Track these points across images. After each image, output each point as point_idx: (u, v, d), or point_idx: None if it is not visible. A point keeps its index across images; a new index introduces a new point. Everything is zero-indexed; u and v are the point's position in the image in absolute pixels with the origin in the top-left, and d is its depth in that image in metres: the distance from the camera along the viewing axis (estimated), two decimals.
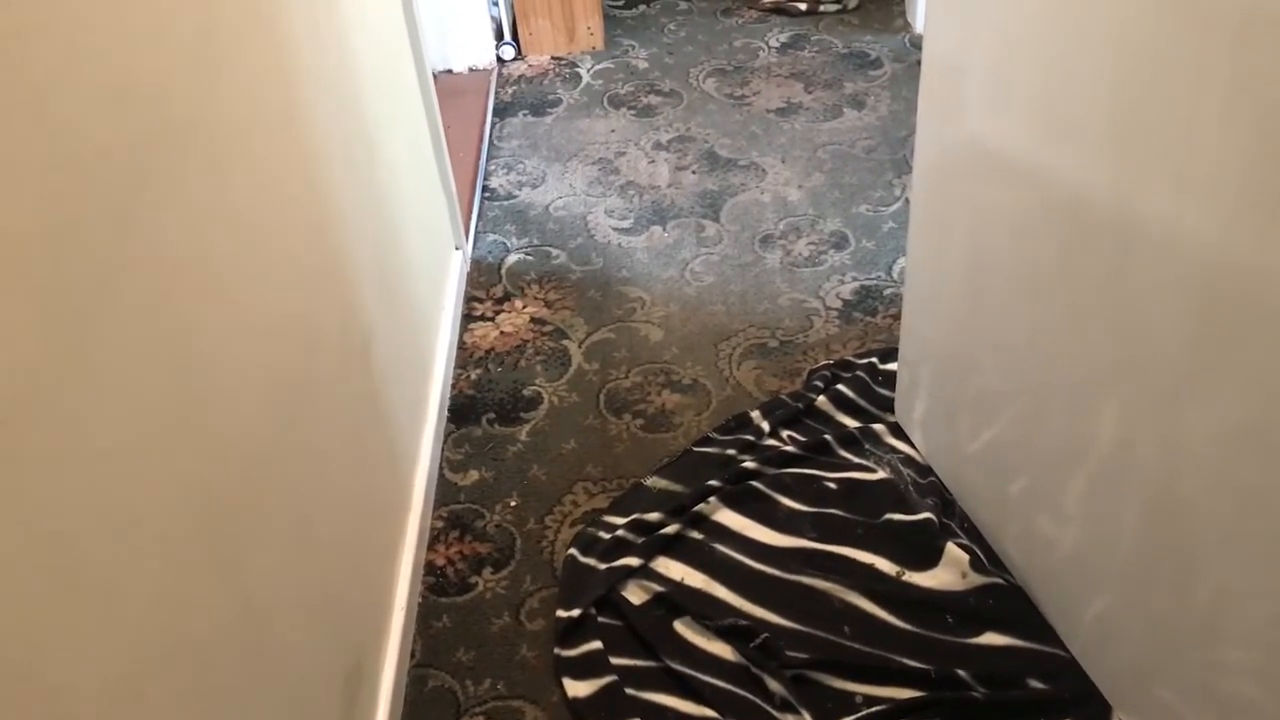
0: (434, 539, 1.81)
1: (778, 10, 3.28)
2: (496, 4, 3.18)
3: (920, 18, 3.09)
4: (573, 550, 1.74)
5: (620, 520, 1.77)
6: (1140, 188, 1.14)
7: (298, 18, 1.35)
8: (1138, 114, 1.12)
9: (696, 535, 1.73)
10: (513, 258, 2.45)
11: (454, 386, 2.12)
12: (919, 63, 2.98)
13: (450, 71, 3.12)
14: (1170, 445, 1.20)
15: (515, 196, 2.65)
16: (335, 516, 1.40)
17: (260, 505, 1.13)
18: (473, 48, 3.11)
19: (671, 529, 1.72)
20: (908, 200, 2.51)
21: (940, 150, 1.57)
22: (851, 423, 1.93)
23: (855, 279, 2.31)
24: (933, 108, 1.57)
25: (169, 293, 0.93)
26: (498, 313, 2.30)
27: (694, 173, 2.67)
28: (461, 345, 2.22)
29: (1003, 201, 1.42)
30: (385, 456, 1.67)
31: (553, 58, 3.17)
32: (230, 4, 1.14)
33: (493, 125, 2.91)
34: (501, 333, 2.25)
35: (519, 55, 3.17)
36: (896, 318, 2.19)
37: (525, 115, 2.94)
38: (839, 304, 2.25)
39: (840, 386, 2.00)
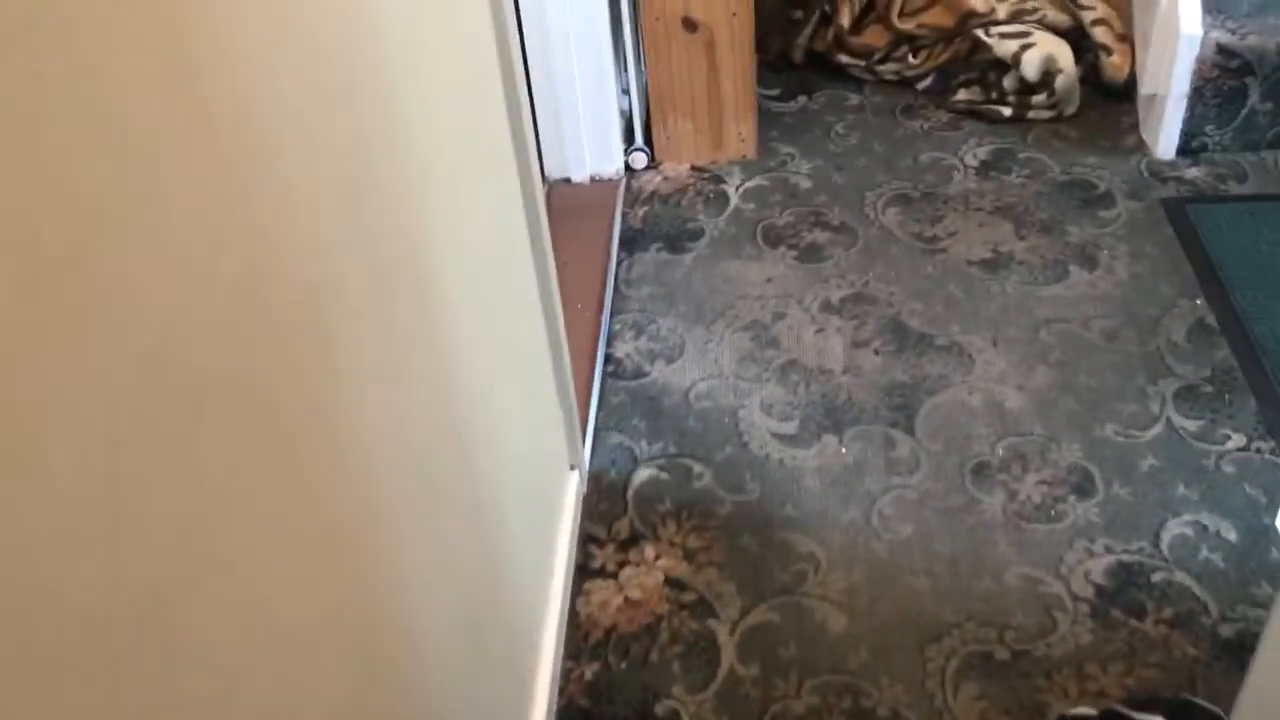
0: None
1: (973, 114, 2.65)
2: (627, 92, 2.60)
3: (1163, 137, 2.44)
4: None
5: None
6: None
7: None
8: None
9: None
10: (642, 474, 1.88)
11: (563, 693, 1.56)
12: (1163, 202, 2.33)
13: (568, 181, 2.56)
14: None
15: (646, 374, 2.07)
16: None
17: None
18: (597, 151, 2.54)
19: None
20: (1170, 422, 1.88)
21: None
22: None
23: (1109, 550, 1.69)
24: None
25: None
26: (622, 564, 1.74)
27: (877, 352, 2.07)
28: (573, 617, 1.66)
29: None
30: None
31: (693, 168, 2.59)
32: None
33: (619, 262, 2.34)
34: (627, 600, 1.68)
35: (652, 163, 2.60)
36: (1174, 625, 1.58)
37: (659, 250, 2.37)
38: (1089, 592, 1.64)
39: None
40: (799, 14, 2.83)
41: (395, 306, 0.96)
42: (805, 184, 2.51)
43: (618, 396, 2.03)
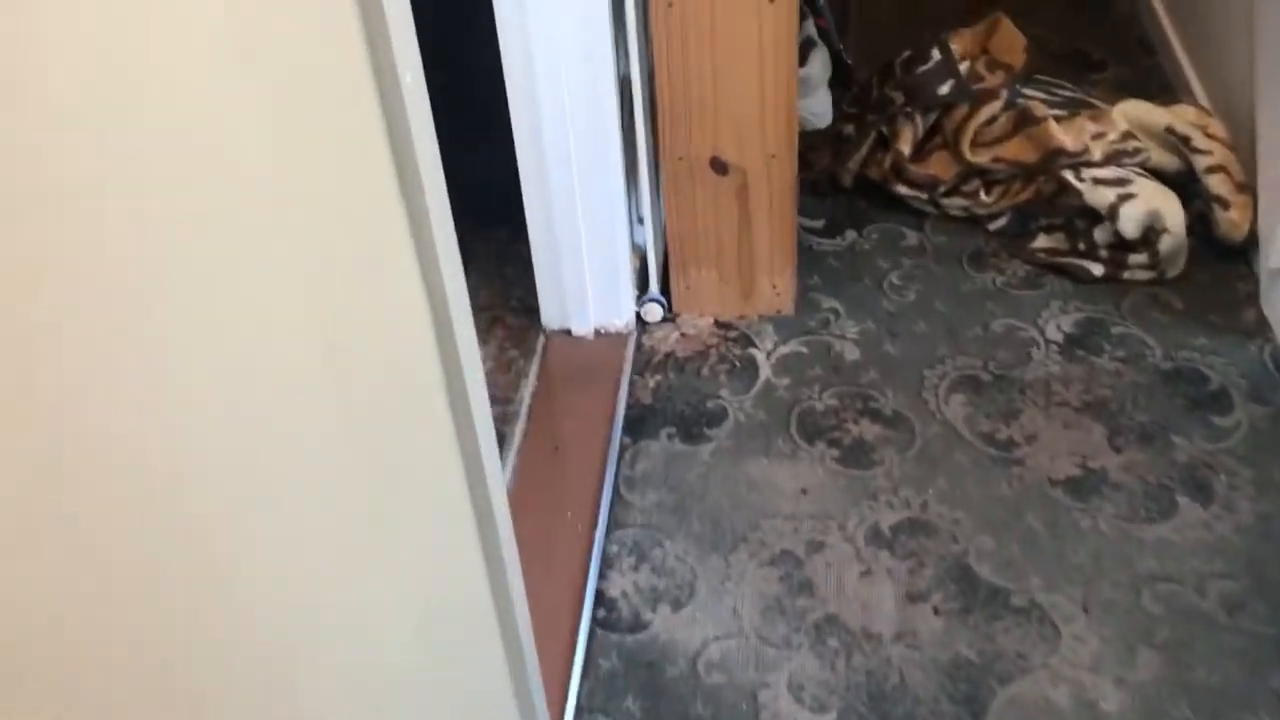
0: None
1: (1055, 268, 2.22)
2: (642, 221, 2.18)
3: None
4: None
5: None
6: None
7: None
8: None
9: None
10: None
11: None
12: None
13: (569, 333, 2.15)
14: None
15: (645, 625, 1.66)
16: None
17: None
18: (603, 299, 2.13)
19: None
20: None
21: None
22: None
23: None
24: None
25: None
26: None
27: (937, 611, 1.65)
28: None
29: None
30: None
31: (717, 323, 2.17)
32: None
33: (621, 449, 1.92)
34: None
35: (669, 315, 2.18)
36: None
37: (670, 437, 1.95)
38: None
39: None
40: (850, 129, 2.40)
41: None
42: (851, 354, 2.09)
43: (608, 660, 1.61)
